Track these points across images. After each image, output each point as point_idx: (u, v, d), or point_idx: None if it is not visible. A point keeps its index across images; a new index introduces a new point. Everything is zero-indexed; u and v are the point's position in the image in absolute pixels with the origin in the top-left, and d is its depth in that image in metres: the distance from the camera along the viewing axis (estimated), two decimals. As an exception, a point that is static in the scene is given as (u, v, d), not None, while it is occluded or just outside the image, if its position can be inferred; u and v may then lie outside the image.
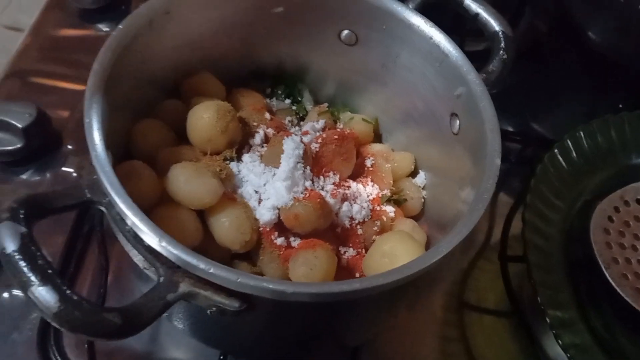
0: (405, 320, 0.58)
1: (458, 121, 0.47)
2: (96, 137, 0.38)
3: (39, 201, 0.36)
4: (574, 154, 0.58)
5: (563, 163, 0.57)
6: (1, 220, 0.33)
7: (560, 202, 0.56)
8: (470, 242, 0.65)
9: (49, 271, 0.32)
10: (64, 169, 0.60)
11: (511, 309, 0.57)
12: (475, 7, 0.50)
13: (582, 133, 0.59)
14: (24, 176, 0.60)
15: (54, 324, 0.32)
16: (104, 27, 0.73)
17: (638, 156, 0.60)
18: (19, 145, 0.58)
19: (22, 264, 0.32)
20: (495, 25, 0.49)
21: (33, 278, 0.32)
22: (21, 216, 0.34)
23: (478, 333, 0.59)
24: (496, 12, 0.50)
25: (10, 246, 0.32)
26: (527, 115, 0.76)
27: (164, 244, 0.34)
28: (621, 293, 0.51)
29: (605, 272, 0.52)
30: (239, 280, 0.33)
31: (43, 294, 0.31)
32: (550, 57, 0.81)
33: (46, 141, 0.61)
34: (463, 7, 0.50)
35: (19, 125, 0.57)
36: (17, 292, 0.52)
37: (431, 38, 0.47)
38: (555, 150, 0.57)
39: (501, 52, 0.48)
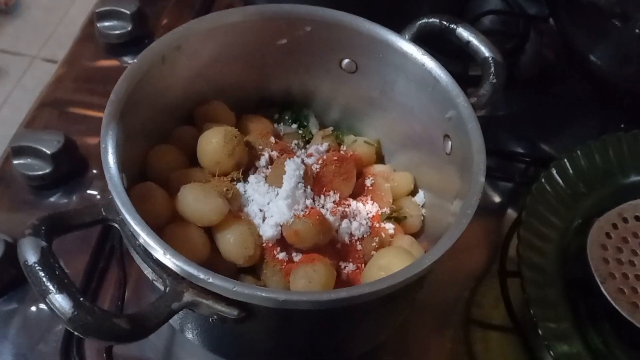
0: (411, 336, 0.60)
1: (450, 142, 0.50)
2: (111, 161, 0.42)
3: (59, 219, 0.40)
4: (572, 173, 0.60)
5: (560, 182, 0.59)
6: (24, 236, 0.37)
7: (557, 219, 0.58)
8: (475, 260, 0.67)
9: (65, 281, 0.36)
10: (89, 192, 0.64)
11: (512, 325, 0.58)
12: (467, 35, 0.53)
13: (579, 152, 0.60)
14: (52, 199, 0.64)
15: (69, 328, 0.35)
16: (128, 60, 0.78)
17: (636, 175, 0.61)
18: (47, 170, 0.63)
19: (42, 274, 0.36)
20: (485, 51, 0.52)
21: (51, 287, 0.35)
22: (42, 232, 0.38)
23: (484, 349, 0.60)
24: (486, 39, 0.52)
25: (32, 258, 0.36)
26: (536, 137, 0.78)
27: (168, 256, 0.38)
28: (617, 307, 0.52)
29: (601, 287, 0.53)
30: (234, 288, 0.37)
31: (59, 300, 0.35)
32: (557, 81, 0.84)
33: (73, 166, 0.65)
34: (455, 35, 0.53)
35: (48, 152, 0.62)
36: (43, 306, 0.56)
37: (423, 65, 0.51)
38: (552, 170, 0.59)
39: (491, 77, 0.51)
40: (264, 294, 0.37)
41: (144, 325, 0.37)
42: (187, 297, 0.39)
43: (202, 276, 0.37)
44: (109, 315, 0.36)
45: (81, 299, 0.35)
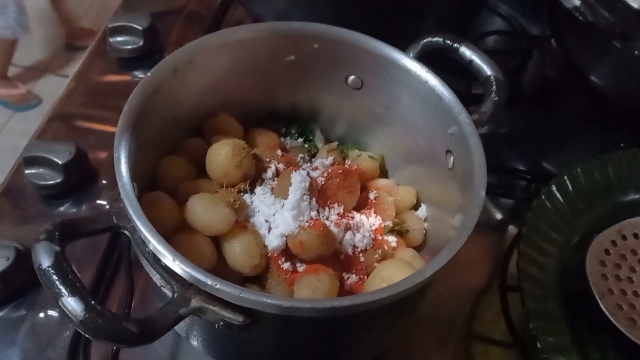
0: (412, 349, 0.61)
1: (452, 157, 0.51)
2: (123, 170, 0.43)
3: (72, 225, 0.41)
4: (571, 190, 0.61)
5: (560, 198, 0.60)
6: (39, 240, 0.39)
7: (557, 235, 0.59)
8: (477, 275, 0.68)
9: (78, 284, 0.37)
10: (98, 201, 0.66)
11: (512, 339, 0.59)
12: (470, 54, 0.54)
13: (579, 170, 0.61)
14: (62, 208, 0.66)
15: (80, 331, 0.36)
16: (139, 74, 0.80)
17: (635, 193, 0.62)
18: (58, 180, 0.64)
19: (55, 277, 0.37)
20: (487, 70, 0.53)
21: (64, 290, 0.37)
22: (56, 237, 0.39)
23: (485, 364, 0.61)
24: (488, 58, 0.54)
25: (46, 262, 0.37)
26: (538, 154, 0.79)
27: (177, 262, 0.39)
28: (615, 322, 0.53)
29: (600, 302, 0.54)
30: (241, 295, 0.38)
31: (72, 303, 0.36)
32: (559, 99, 0.85)
33: (83, 177, 0.67)
34: (459, 54, 0.55)
35: (59, 162, 0.64)
36: (51, 312, 0.58)
37: (427, 82, 0.52)
38: (553, 187, 0.60)
39: (493, 94, 0.52)
40: (269, 301, 0.38)
41: (152, 329, 0.38)
42: (195, 303, 0.40)
43: (209, 282, 0.38)
44: (119, 318, 0.37)
45: (92, 302, 0.36)
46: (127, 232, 0.43)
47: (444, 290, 0.61)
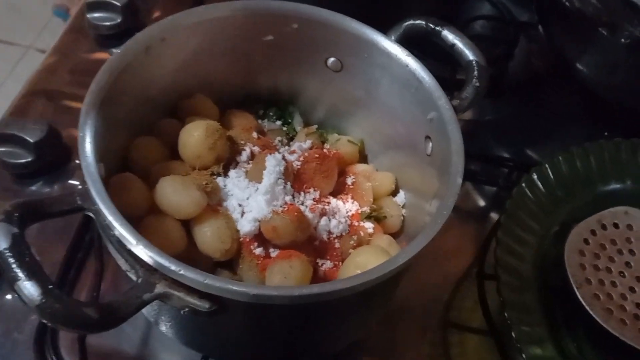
0: (389, 338, 0.60)
1: (431, 143, 0.50)
2: (88, 150, 0.42)
3: (33, 206, 0.40)
4: (552, 179, 0.60)
5: (541, 187, 0.59)
6: (-4, 221, 0.37)
7: (536, 224, 0.58)
8: (458, 263, 0.67)
9: (35, 268, 0.36)
10: (70, 181, 0.64)
11: (488, 328, 0.58)
12: (452, 38, 0.53)
13: (560, 158, 0.61)
14: (33, 187, 0.64)
15: (36, 316, 0.35)
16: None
17: (616, 182, 0.62)
18: (30, 159, 0.62)
19: (11, 260, 0.35)
20: (469, 54, 0.52)
21: (20, 274, 0.35)
22: (15, 218, 0.37)
23: (461, 352, 0.61)
24: (471, 43, 0.53)
25: (2, 244, 0.36)
26: (522, 143, 0.78)
27: (140, 247, 0.38)
28: (591, 312, 0.52)
29: (577, 292, 0.53)
30: (205, 281, 0.37)
31: (28, 287, 0.35)
32: (545, 89, 0.84)
33: (56, 156, 0.65)
34: (441, 38, 0.54)
35: (31, 140, 0.62)
36: (20, 294, 0.56)
37: (407, 66, 0.51)
38: (533, 175, 0.59)
39: (474, 80, 0.51)
40: (235, 288, 0.37)
41: (114, 315, 0.37)
42: (159, 288, 0.39)
43: (173, 268, 0.37)
44: (79, 304, 0.36)
45: (50, 286, 0.35)
46: (91, 214, 0.42)
47: (425, 278, 0.61)
